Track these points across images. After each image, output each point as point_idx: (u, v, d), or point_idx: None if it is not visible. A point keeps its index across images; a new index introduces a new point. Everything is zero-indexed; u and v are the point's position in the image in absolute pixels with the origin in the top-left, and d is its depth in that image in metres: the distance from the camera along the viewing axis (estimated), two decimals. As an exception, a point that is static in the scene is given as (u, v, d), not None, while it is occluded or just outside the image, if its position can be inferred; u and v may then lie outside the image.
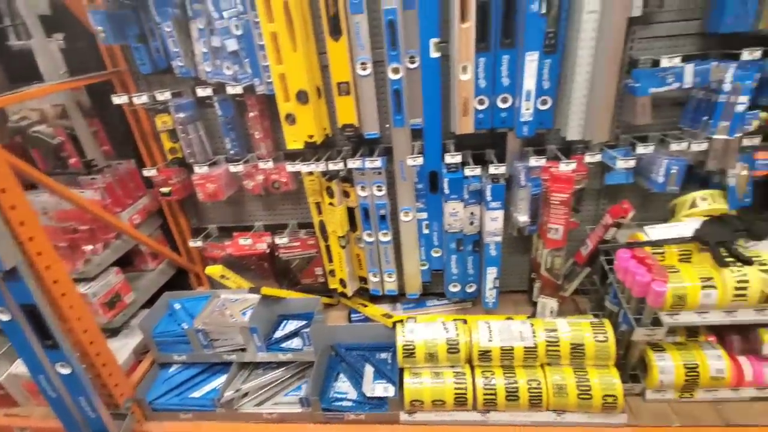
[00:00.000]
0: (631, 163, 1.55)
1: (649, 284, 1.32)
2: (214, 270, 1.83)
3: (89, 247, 1.75)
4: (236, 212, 2.12)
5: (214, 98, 1.71)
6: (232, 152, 1.86)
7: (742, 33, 1.41)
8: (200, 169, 1.80)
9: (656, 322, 1.40)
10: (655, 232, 1.58)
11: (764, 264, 1.38)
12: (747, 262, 1.37)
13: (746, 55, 1.42)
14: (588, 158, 1.62)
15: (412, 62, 1.56)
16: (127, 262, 2.12)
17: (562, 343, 1.50)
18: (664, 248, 1.53)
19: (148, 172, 1.87)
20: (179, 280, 2.32)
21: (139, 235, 1.91)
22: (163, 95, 1.67)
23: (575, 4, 1.44)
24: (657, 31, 1.54)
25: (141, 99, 1.68)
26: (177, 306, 1.87)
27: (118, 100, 1.69)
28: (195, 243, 2.05)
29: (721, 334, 1.58)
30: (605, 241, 1.62)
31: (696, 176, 1.70)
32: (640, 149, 1.58)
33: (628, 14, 1.39)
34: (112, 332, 1.92)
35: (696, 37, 1.55)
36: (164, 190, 1.90)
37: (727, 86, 1.44)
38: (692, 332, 1.60)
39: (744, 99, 1.44)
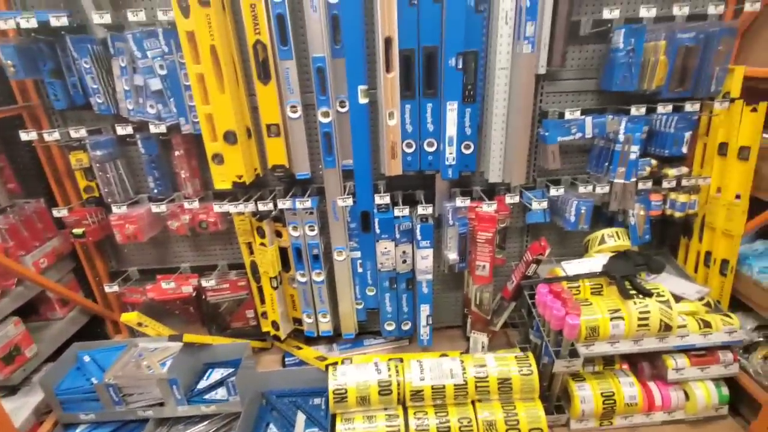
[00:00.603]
0: (545, 204, 1.68)
1: (564, 318, 1.41)
2: (130, 317, 1.70)
3: (-18, 297, 1.57)
4: (160, 253, 2.01)
5: (136, 136, 1.65)
6: (155, 191, 1.78)
7: (631, 91, 1.61)
8: (118, 209, 1.70)
9: (574, 354, 1.48)
10: (571, 267, 1.71)
11: (662, 296, 1.52)
12: (647, 294, 1.51)
13: (634, 110, 1.62)
14: (509, 199, 1.73)
15: (342, 106, 1.62)
16: (31, 310, 1.91)
17: (491, 378, 1.54)
18: (579, 282, 1.65)
19: (59, 212, 1.73)
20: (95, 329, 2.12)
21: (44, 280, 1.74)
22: (78, 132, 1.58)
23: (489, 60, 1.58)
24: (562, 87, 1.72)
25: (53, 135, 1.57)
26: (86, 358, 1.70)
27: (26, 136, 1.57)
28: (111, 288, 1.90)
29: (633, 361, 1.71)
30: (528, 276, 1.72)
31: (603, 215, 1.88)
32: (553, 191, 1.72)
33: (534, 72, 1.55)
34: (11, 390, 1.69)
35: (595, 94, 1.75)
36: (77, 231, 1.76)
37: (621, 137, 1.63)
38: (609, 361, 1.71)
39: (635, 148, 1.63)
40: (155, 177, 1.76)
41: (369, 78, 1.59)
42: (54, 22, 1.41)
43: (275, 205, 1.68)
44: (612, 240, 1.82)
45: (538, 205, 1.66)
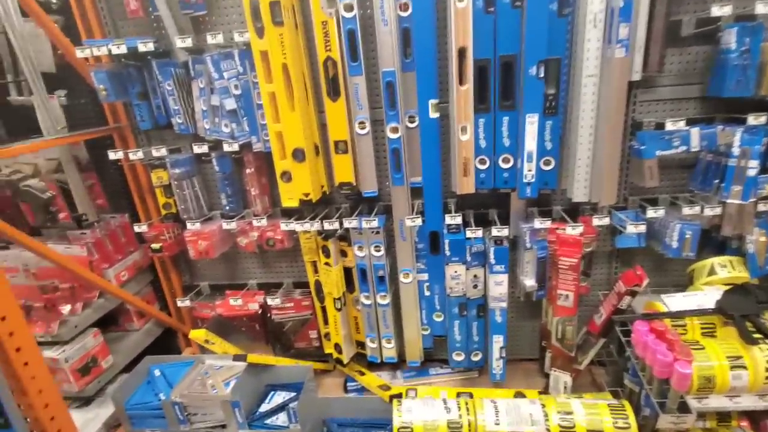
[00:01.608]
0: (642, 228, 1.47)
1: (672, 364, 1.19)
2: (198, 334, 1.72)
3: (67, 308, 1.66)
4: (230, 269, 2.04)
5: (211, 155, 1.69)
6: (227, 208, 1.81)
7: (746, 98, 1.38)
8: (192, 226, 1.75)
9: (684, 408, 1.25)
10: (674, 302, 1.47)
11: (798, 341, 1.25)
12: (778, 338, 1.25)
13: (752, 119, 1.39)
14: (596, 221, 1.54)
15: (412, 122, 1.55)
16: (112, 321, 2.01)
17: (578, 428, 1.34)
18: (686, 320, 1.41)
19: (139, 228, 1.81)
20: (167, 341, 2.19)
21: (123, 293, 1.82)
22: (159, 151, 1.65)
23: (574, 68, 1.43)
24: (659, 94, 1.52)
25: (137, 155, 1.66)
26: (157, 372, 1.74)
27: (113, 155, 1.67)
28: (183, 302, 1.95)
29: (756, 418, 1.41)
30: (620, 310, 1.50)
31: (712, 241, 1.62)
32: (651, 213, 1.50)
33: (627, 79, 1.38)
34: (85, 401, 1.77)
35: (699, 101, 1.53)
36: (155, 246, 1.83)
37: (735, 150, 1.39)
38: (724, 416, 1.43)
39: (754, 163, 1.38)
40: (228, 194, 1.79)
41: (440, 91, 1.51)
42: (142, 48, 1.50)
43: (341, 224, 1.63)
44: (724, 271, 1.55)
45: (633, 228, 1.46)
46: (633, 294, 1.49)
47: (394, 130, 1.52)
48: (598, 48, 1.35)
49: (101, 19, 1.66)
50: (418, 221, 1.59)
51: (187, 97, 1.64)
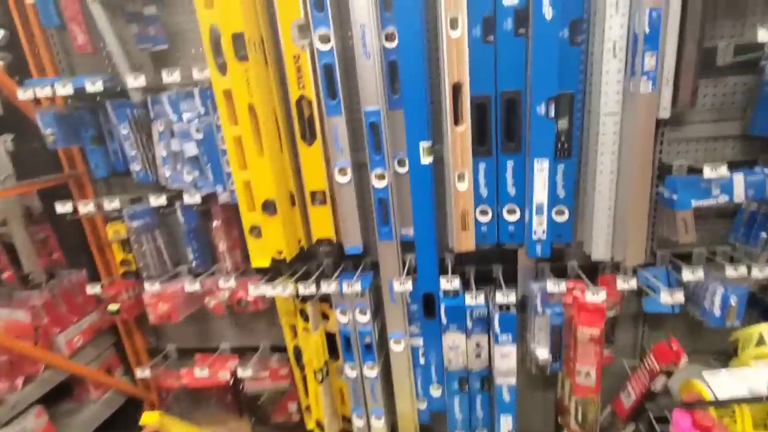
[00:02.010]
0: (679, 298, 1.22)
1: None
2: (151, 419, 1.46)
3: (4, 385, 1.42)
4: (200, 331, 1.80)
5: (175, 205, 1.48)
6: (195, 263, 1.59)
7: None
8: (152, 287, 1.52)
9: None
10: (719, 382, 1.20)
11: None
12: None
13: (811, 164, 1.15)
14: (621, 283, 1.29)
15: (402, 165, 1.34)
16: (66, 390, 1.77)
17: None
18: (735, 408, 1.14)
19: (93, 289, 1.59)
20: (131, 411, 1.93)
21: (71, 365, 1.58)
22: (112, 203, 1.44)
23: (590, 103, 1.22)
24: (690, 132, 1.30)
25: (87, 208, 1.45)
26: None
27: (61, 208, 1.47)
28: (143, 373, 1.70)
29: None
30: (653, 393, 1.24)
31: (759, 304, 1.36)
32: (687, 275, 1.25)
33: (655, 116, 1.16)
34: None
35: (738, 140, 1.31)
36: (112, 308, 1.61)
37: (791, 200, 1.16)
38: None
39: (815, 216, 1.14)
40: (194, 248, 1.57)
41: (434, 130, 1.30)
42: (90, 87, 1.31)
43: (318, 287, 1.39)
44: (778, 341, 1.29)
45: (669, 298, 1.21)
46: (668, 374, 1.23)
47: (380, 177, 1.31)
48: (619, 81, 1.14)
49: (53, 56, 1.49)
50: (409, 286, 1.35)
51: (147, 141, 1.45)
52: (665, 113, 1.19)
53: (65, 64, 1.52)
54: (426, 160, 1.28)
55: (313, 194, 1.35)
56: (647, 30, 1.05)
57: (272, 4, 1.20)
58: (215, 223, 1.49)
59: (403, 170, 1.35)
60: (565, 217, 1.30)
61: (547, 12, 1.05)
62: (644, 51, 1.06)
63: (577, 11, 1.12)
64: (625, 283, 1.28)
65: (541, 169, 1.18)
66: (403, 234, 1.44)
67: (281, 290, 1.40)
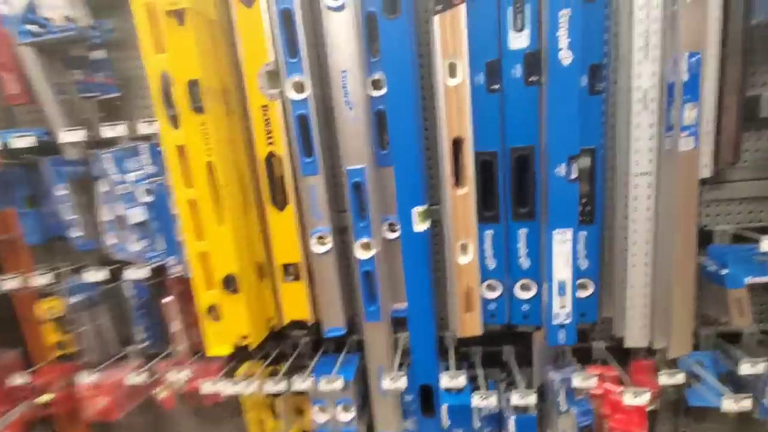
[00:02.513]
0: (746, 404, 0.97)
1: None
2: None
3: None
4: (154, 424, 1.50)
5: (120, 277, 1.24)
6: (146, 343, 1.33)
7: None
8: (88, 378, 1.24)
9: None
10: None
11: None
12: None
13: None
14: (665, 378, 1.05)
15: (393, 230, 1.12)
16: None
17: None
18: None
19: (20, 378, 1.31)
20: None
21: (-18, 480, 1.27)
22: (44, 276, 1.20)
23: (617, 159, 1.03)
24: (732, 191, 1.11)
25: (11, 283, 1.20)
26: None
27: (-22, 284, 1.22)
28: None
29: None
30: None
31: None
32: (745, 368, 1.01)
33: (697, 177, 0.96)
34: None
35: (789, 200, 1.11)
36: (43, 399, 1.32)
37: None
38: None
39: None
40: (146, 326, 1.31)
41: (431, 187, 1.10)
42: (18, 143, 1.09)
43: (288, 386, 1.13)
44: None
45: (733, 405, 0.96)
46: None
47: (366, 246, 1.08)
48: (652, 137, 0.95)
49: (-12, 105, 1.28)
50: (402, 383, 1.10)
51: (88, 204, 1.22)
52: (707, 172, 1.00)
53: (4, 114, 1.31)
54: (420, 227, 1.06)
55: (285, 267, 1.12)
56: (686, 78, 0.86)
57: (236, 48, 1.02)
58: (167, 299, 1.24)
59: (393, 235, 1.13)
60: (589, 291, 1.08)
61: (565, 57, 0.87)
62: (683, 102, 0.88)
63: (596, 56, 0.95)
64: (671, 378, 1.04)
65: (562, 241, 0.97)
66: (395, 309, 1.21)
67: (243, 387, 1.13)
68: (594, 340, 1.22)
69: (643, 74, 0.91)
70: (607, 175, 1.05)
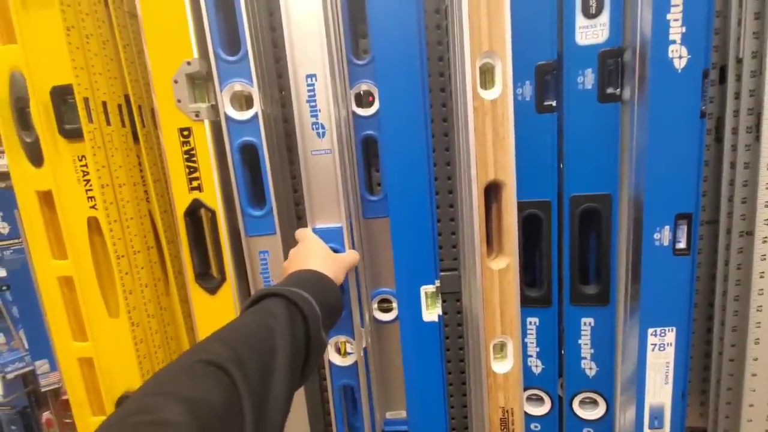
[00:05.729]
0: None
1: None
2: None
3: None
4: None
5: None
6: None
7: None
8: None
9: None
10: None
11: None
12: None
13: None
14: None
15: (385, 311, 0.76)
16: None
17: None
18: None
19: None
20: None
21: None
22: None
23: (731, 226, 0.69)
24: None
25: None
26: None
27: None
28: None
29: None
30: None
31: None
32: None
33: None
34: None
35: None
36: None
37: None
38: None
39: None
40: (21, 447, 0.88)
41: (442, 251, 0.73)
42: None
43: None
44: None
45: None
46: None
47: (342, 349, 0.70)
48: (795, 188, 0.61)
49: None
50: None
51: None
52: None
53: None
54: (431, 314, 0.70)
55: (219, 381, 0.72)
56: None
57: (140, 39, 0.64)
58: (46, 416, 0.82)
59: (387, 317, 0.76)
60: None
61: (679, 55, 0.53)
62: None
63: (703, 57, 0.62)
64: None
65: (662, 345, 0.61)
66: (389, 419, 0.83)
67: None
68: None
69: (778, 89, 0.58)
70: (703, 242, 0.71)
